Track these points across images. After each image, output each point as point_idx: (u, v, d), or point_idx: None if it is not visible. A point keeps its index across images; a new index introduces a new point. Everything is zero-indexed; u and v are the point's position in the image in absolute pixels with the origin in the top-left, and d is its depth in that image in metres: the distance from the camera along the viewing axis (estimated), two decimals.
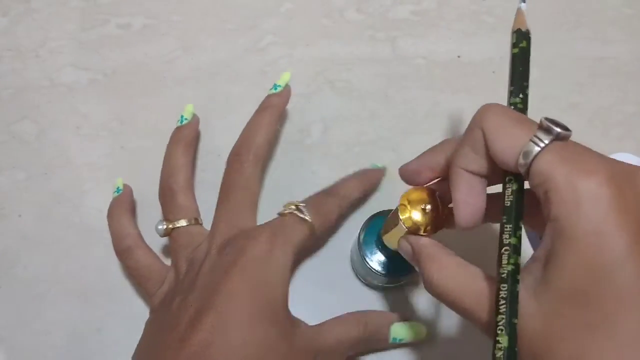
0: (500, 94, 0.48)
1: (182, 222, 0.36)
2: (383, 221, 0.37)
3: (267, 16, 0.51)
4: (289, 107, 0.45)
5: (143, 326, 0.36)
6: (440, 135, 0.46)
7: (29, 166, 0.45)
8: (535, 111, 0.47)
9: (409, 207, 0.30)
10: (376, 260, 0.37)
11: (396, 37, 0.50)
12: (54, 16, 0.51)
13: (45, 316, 0.40)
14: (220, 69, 0.49)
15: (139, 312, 0.40)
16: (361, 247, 0.37)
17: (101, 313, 0.40)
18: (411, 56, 0.49)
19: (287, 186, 0.44)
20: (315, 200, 0.36)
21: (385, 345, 0.36)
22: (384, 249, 0.36)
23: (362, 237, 0.37)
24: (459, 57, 0.49)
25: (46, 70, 0.49)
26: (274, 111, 0.40)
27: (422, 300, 0.41)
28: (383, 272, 0.36)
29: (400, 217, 0.29)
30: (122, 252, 0.37)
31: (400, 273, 0.37)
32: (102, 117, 0.47)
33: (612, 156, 0.33)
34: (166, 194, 0.37)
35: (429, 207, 0.30)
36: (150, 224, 0.39)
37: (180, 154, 0.39)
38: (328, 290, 0.41)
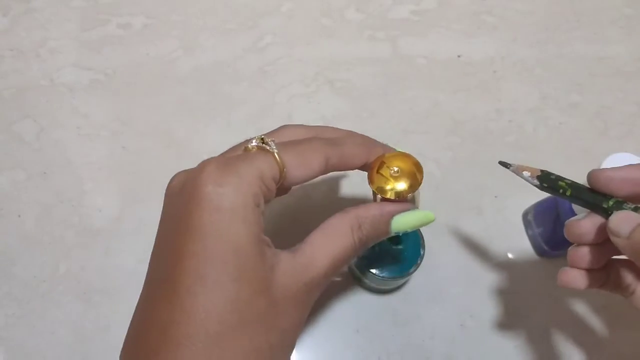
0: (500, 94, 0.48)
1: None
2: None
3: (267, 16, 0.51)
4: (289, 106, 0.45)
5: None
6: (440, 135, 0.46)
7: (29, 166, 0.45)
8: (536, 111, 0.47)
9: (380, 170, 0.28)
10: (373, 262, 0.37)
11: (396, 37, 0.50)
12: (54, 16, 0.51)
13: (47, 316, 0.40)
14: (221, 69, 0.49)
15: None
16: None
17: (105, 312, 0.40)
18: (411, 56, 0.49)
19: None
20: (294, 140, 0.28)
21: (382, 237, 0.29)
22: (381, 251, 0.36)
23: None
24: (459, 56, 0.49)
25: (47, 70, 0.49)
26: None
27: (419, 302, 0.41)
28: (379, 274, 0.36)
29: (369, 181, 0.28)
30: None
31: (396, 275, 0.37)
32: (103, 117, 0.47)
33: (612, 156, 0.33)
34: None
35: (397, 169, 0.28)
36: (152, 223, 0.39)
37: None
38: (325, 292, 0.41)
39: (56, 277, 0.42)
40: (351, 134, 0.31)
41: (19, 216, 0.43)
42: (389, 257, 0.37)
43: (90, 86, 0.48)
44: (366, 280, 0.39)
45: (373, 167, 0.29)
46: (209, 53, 0.49)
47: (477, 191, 0.44)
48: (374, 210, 0.28)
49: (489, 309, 0.40)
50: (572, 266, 0.29)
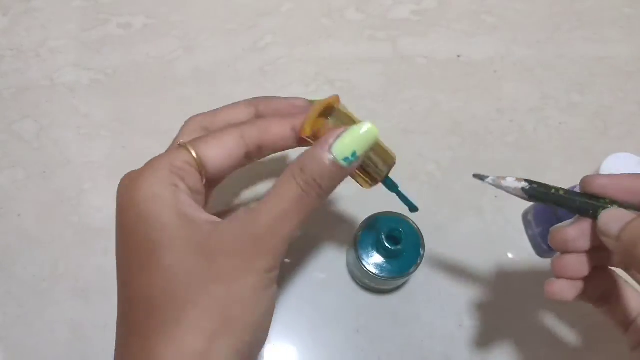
0: (501, 94, 0.48)
1: None
2: (380, 223, 0.37)
3: (267, 16, 0.51)
4: None
5: None
6: (440, 135, 0.46)
7: (29, 166, 0.45)
8: (536, 111, 0.47)
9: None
10: (372, 262, 0.37)
11: (396, 37, 0.50)
12: (54, 16, 0.51)
13: (46, 315, 0.40)
14: (221, 69, 0.49)
15: None
16: (357, 249, 0.37)
17: (104, 311, 0.40)
18: (411, 56, 0.49)
19: None
20: (213, 132, 0.31)
21: (345, 174, 0.27)
22: (380, 251, 0.36)
23: (358, 239, 0.37)
24: (459, 56, 0.49)
25: (47, 70, 0.49)
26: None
27: (419, 303, 0.41)
28: (379, 274, 0.36)
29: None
30: None
31: (396, 275, 0.37)
32: (103, 117, 0.47)
33: (613, 156, 0.33)
34: None
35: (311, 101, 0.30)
36: None
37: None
38: (324, 292, 0.41)
39: (55, 276, 0.42)
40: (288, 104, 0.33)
41: (19, 215, 0.43)
42: (389, 257, 0.37)
43: (90, 86, 0.48)
44: (366, 280, 0.39)
45: (301, 129, 0.29)
46: (209, 53, 0.49)
47: (477, 191, 0.44)
48: (310, 149, 0.27)
49: (488, 309, 0.40)
50: (558, 276, 0.28)
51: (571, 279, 0.28)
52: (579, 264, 0.27)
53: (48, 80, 0.48)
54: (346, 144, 0.26)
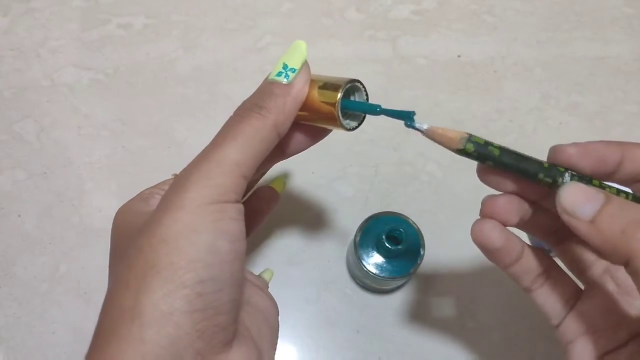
0: (501, 94, 0.48)
1: None
2: (380, 223, 0.37)
3: (267, 16, 0.51)
4: None
5: None
6: None
7: (29, 166, 0.45)
8: (536, 110, 0.47)
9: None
10: (372, 262, 0.37)
11: (396, 37, 0.50)
12: (54, 16, 0.51)
13: (47, 316, 0.41)
14: (221, 69, 0.49)
15: None
16: (357, 249, 0.37)
17: None
18: (412, 56, 0.49)
19: (287, 186, 0.44)
20: None
21: (292, 92, 0.26)
22: (381, 251, 0.36)
23: (358, 239, 0.37)
24: (459, 56, 0.49)
25: (47, 70, 0.49)
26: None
27: (419, 302, 0.41)
28: (379, 274, 0.36)
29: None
30: None
31: (396, 275, 0.37)
32: (103, 117, 0.47)
33: None
34: None
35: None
36: None
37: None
38: (324, 292, 0.41)
39: (56, 277, 0.42)
40: None
41: (19, 216, 0.43)
42: (389, 257, 0.37)
43: (91, 86, 0.48)
44: (366, 281, 0.39)
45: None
46: (209, 53, 0.49)
47: (477, 191, 0.44)
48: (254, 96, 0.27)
49: (489, 310, 0.40)
50: (484, 216, 0.26)
51: (503, 222, 0.26)
52: (514, 206, 0.26)
53: (48, 80, 0.48)
54: (279, 65, 0.27)
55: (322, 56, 0.49)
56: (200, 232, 0.21)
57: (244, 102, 0.26)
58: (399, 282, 0.40)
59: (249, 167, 0.23)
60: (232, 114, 0.25)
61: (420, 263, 0.36)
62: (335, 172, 0.44)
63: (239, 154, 0.23)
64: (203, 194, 0.22)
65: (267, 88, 0.26)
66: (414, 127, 0.25)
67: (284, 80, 0.26)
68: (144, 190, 0.29)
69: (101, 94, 0.48)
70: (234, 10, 0.51)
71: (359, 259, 0.37)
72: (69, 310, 0.41)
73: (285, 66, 0.26)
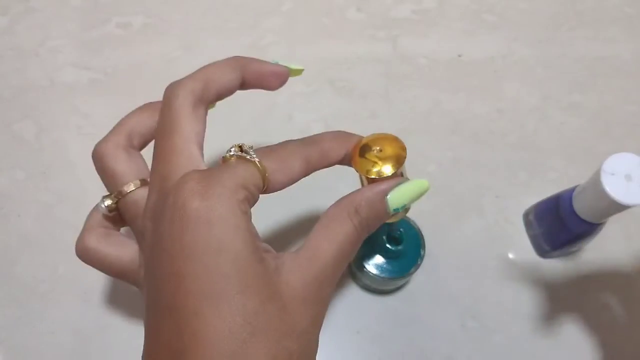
0: (501, 94, 0.48)
1: (123, 190, 0.28)
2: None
3: (268, 15, 0.51)
4: (289, 105, 0.45)
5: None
6: (441, 135, 0.46)
7: (29, 166, 0.45)
8: (537, 110, 0.47)
9: (360, 154, 0.28)
10: (372, 263, 0.37)
11: (397, 36, 0.50)
12: (54, 15, 0.51)
13: (47, 316, 0.40)
14: None
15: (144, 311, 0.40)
16: (358, 250, 0.37)
17: (105, 312, 0.40)
18: (412, 55, 0.49)
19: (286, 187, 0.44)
20: (271, 146, 0.28)
21: (386, 220, 0.28)
22: (381, 252, 0.36)
23: None
24: (459, 56, 0.49)
25: (46, 70, 0.48)
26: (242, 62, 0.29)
27: (420, 303, 0.41)
28: (380, 275, 0.36)
29: (354, 166, 0.28)
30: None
31: (397, 275, 0.36)
32: (103, 117, 0.47)
33: (613, 156, 0.33)
34: (96, 163, 0.30)
35: (378, 147, 0.28)
36: None
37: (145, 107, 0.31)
38: None
39: (56, 277, 0.41)
40: (324, 132, 0.31)
41: (19, 216, 0.43)
42: (389, 258, 0.37)
43: (90, 86, 0.48)
44: (367, 281, 0.39)
45: (355, 153, 0.28)
46: (210, 52, 0.49)
47: (478, 191, 0.44)
48: (366, 192, 0.27)
49: (489, 310, 0.40)
50: None
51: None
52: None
53: (48, 80, 0.48)
54: (402, 197, 0.27)
55: (322, 56, 0.49)
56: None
57: (360, 213, 0.27)
58: (399, 283, 0.40)
59: (335, 261, 0.26)
60: (347, 214, 0.27)
61: (420, 263, 0.36)
62: (335, 172, 0.43)
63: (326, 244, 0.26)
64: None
65: (382, 217, 0.27)
66: None
67: (392, 214, 0.28)
68: (227, 179, 0.24)
69: (101, 94, 0.48)
70: (234, 10, 0.51)
71: (359, 260, 0.37)
72: (68, 310, 0.41)
73: (404, 206, 0.28)
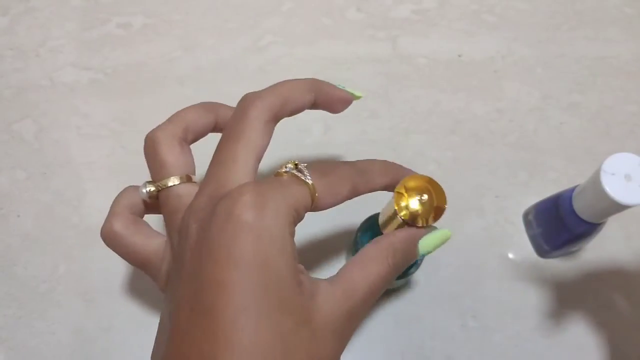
0: (501, 94, 0.48)
1: (169, 182, 0.29)
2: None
3: (267, 15, 0.51)
4: None
5: (151, 324, 0.36)
6: (441, 135, 0.46)
7: (29, 166, 0.45)
8: (536, 110, 0.47)
9: (405, 195, 0.28)
10: None
11: (397, 36, 0.50)
12: (54, 15, 0.51)
13: (47, 316, 0.40)
14: (221, 68, 0.48)
15: (147, 310, 0.40)
16: (358, 250, 0.37)
17: (106, 312, 0.40)
18: (412, 55, 0.49)
19: None
20: (324, 165, 0.28)
21: (411, 262, 0.30)
22: None
23: (359, 238, 0.37)
24: (459, 56, 0.49)
25: (47, 70, 0.48)
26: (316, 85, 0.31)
27: (420, 303, 0.41)
28: None
29: (396, 206, 0.28)
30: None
31: (396, 276, 0.36)
32: (103, 117, 0.47)
33: (613, 156, 0.33)
34: (147, 147, 0.31)
35: (425, 196, 0.28)
36: (151, 224, 0.39)
37: (204, 105, 0.32)
38: None
39: (56, 277, 0.41)
40: (374, 161, 0.32)
41: (19, 216, 0.43)
42: None
43: (90, 86, 0.48)
44: None
45: (400, 192, 0.29)
46: (209, 52, 0.49)
47: (477, 191, 0.44)
48: (404, 237, 0.28)
49: (489, 309, 0.40)
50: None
51: None
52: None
53: (48, 80, 0.48)
54: (430, 245, 0.29)
55: (322, 56, 0.49)
56: None
57: (397, 256, 0.28)
58: (399, 283, 0.40)
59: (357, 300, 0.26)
60: (386, 255, 0.27)
61: (420, 263, 0.36)
62: None
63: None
64: None
65: (412, 258, 0.29)
66: None
67: (418, 258, 0.29)
68: (280, 199, 0.25)
69: (101, 94, 0.48)
70: (234, 10, 0.51)
71: None
72: (69, 310, 0.41)
73: (429, 252, 0.29)
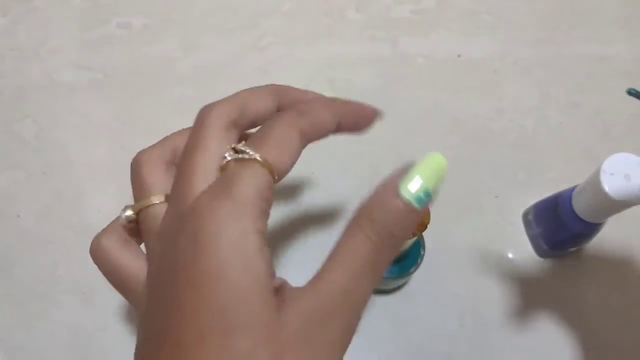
0: (501, 94, 0.48)
1: (147, 202, 0.27)
2: None
3: (267, 15, 0.51)
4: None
5: None
6: (440, 135, 0.46)
7: (28, 166, 0.45)
8: (536, 110, 0.47)
9: None
10: None
11: (396, 37, 0.50)
12: (54, 16, 0.51)
13: (47, 317, 0.40)
14: (221, 69, 0.49)
15: None
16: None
17: (105, 312, 0.40)
18: (411, 55, 0.49)
19: (286, 186, 0.44)
20: (261, 129, 0.25)
21: (419, 217, 0.24)
22: None
23: None
24: (459, 56, 0.49)
25: (47, 70, 0.49)
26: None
27: (419, 303, 0.41)
28: None
29: None
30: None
31: (396, 275, 0.37)
32: (103, 117, 0.47)
33: (613, 156, 0.33)
34: (131, 171, 0.29)
35: None
36: None
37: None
38: None
39: (55, 277, 0.42)
40: (315, 98, 0.29)
41: (19, 216, 0.43)
42: None
43: (90, 86, 0.48)
44: None
45: None
46: (209, 53, 0.49)
47: (477, 191, 0.44)
48: (376, 196, 0.23)
49: (489, 309, 0.40)
50: None
51: None
52: None
53: (48, 80, 0.48)
54: (416, 178, 0.24)
55: (322, 56, 0.49)
56: None
57: (376, 220, 0.23)
58: (399, 283, 0.40)
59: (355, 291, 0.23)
60: (358, 226, 0.23)
61: (420, 263, 0.36)
62: (335, 172, 0.44)
63: (370, 293, 0.23)
64: None
65: (404, 216, 0.23)
66: None
67: (419, 207, 0.23)
68: (243, 193, 0.22)
69: (101, 94, 0.48)
70: (234, 10, 0.51)
71: None
72: (68, 310, 0.41)
73: (427, 192, 0.24)
